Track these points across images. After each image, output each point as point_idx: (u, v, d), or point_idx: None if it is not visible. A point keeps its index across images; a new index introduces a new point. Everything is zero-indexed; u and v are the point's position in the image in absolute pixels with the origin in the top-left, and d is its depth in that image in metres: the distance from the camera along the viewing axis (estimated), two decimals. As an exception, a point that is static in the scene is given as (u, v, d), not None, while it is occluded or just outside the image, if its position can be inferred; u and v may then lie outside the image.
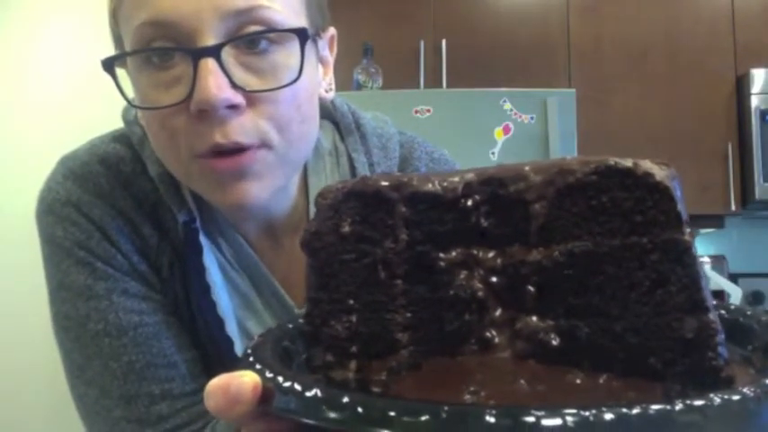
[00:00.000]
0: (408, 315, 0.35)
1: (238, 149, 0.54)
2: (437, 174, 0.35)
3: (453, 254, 0.35)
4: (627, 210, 0.31)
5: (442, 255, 0.35)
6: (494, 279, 0.34)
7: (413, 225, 0.34)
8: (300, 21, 0.58)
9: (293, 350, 0.37)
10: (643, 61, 2.66)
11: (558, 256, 0.32)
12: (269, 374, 0.30)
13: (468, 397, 0.30)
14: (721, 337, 0.30)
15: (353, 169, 0.71)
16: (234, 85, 0.53)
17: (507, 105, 2.30)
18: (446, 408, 0.24)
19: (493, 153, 2.29)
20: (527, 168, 0.33)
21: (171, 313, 0.64)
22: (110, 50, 0.60)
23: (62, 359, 0.64)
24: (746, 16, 2.65)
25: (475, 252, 0.35)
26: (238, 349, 0.64)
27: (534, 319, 0.33)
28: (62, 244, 0.62)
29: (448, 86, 2.61)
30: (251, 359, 0.32)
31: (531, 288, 0.33)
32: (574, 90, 2.39)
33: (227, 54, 0.53)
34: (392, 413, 0.25)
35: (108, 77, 0.57)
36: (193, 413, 0.61)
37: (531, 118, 2.29)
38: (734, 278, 2.75)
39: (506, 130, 2.29)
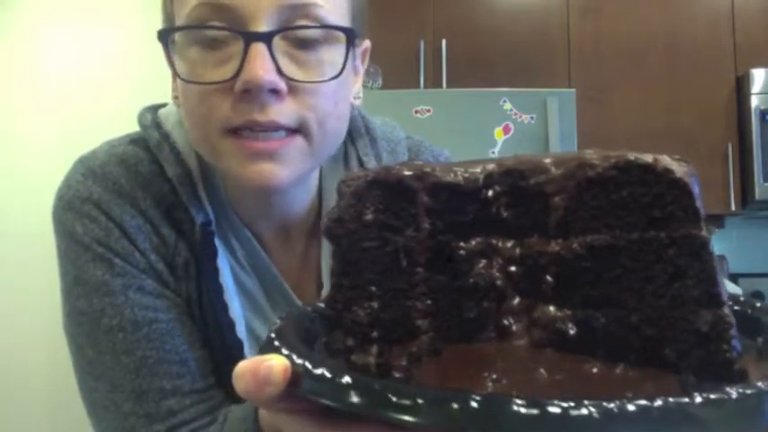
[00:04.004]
0: (428, 302, 0.35)
1: (274, 130, 0.56)
2: (459, 164, 0.36)
3: (473, 243, 0.35)
4: (646, 204, 0.31)
5: (462, 244, 0.35)
6: (512, 268, 0.35)
7: (434, 214, 0.35)
8: (345, 24, 0.60)
9: (314, 332, 0.37)
10: (643, 61, 2.66)
11: (577, 248, 0.33)
12: (298, 360, 0.30)
13: (491, 385, 0.30)
14: (735, 330, 0.30)
15: None
16: (279, 72, 0.55)
17: (507, 105, 2.30)
18: (475, 397, 0.25)
19: (493, 153, 2.29)
20: (547, 161, 0.34)
21: (183, 312, 0.65)
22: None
23: (72, 354, 0.64)
24: (746, 16, 2.66)
25: (494, 242, 0.35)
26: (247, 351, 0.65)
27: (552, 308, 0.34)
28: (81, 240, 0.62)
29: (448, 86, 2.61)
30: (276, 343, 0.32)
31: (549, 278, 0.34)
32: (574, 90, 2.40)
33: (277, 44, 0.55)
34: (421, 401, 0.25)
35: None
36: (201, 409, 0.61)
37: (531, 118, 2.29)
38: (734, 278, 2.76)
39: (506, 130, 2.30)
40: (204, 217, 0.64)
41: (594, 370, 0.32)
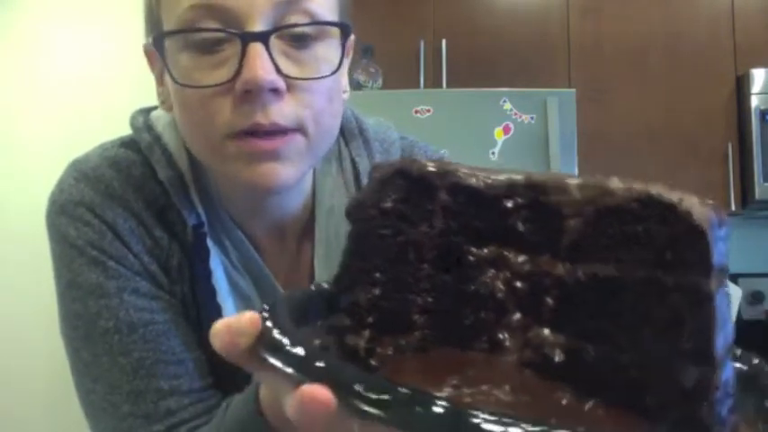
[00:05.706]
0: (429, 299, 0.35)
1: (275, 131, 0.56)
2: (483, 169, 0.36)
3: (485, 251, 0.35)
4: (660, 244, 0.30)
5: (473, 249, 0.35)
6: (518, 284, 0.35)
7: (451, 214, 0.35)
8: (335, 18, 0.60)
9: (313, 310, 0.37)
10: (643, 61, 2.66)
11: (581, 275, 0.32)
12: (267, 323, 0.31)
13: (447, 389, 0.30)
14: (722, 395, 0.28)
15: (357, 173, 0.73)
16: (278, 71, 0.55)
17: (507, 105, 2.30)
18: (401, 390, 0.25)
19: (493, 153, 2.29)
20: (572, 182, 0.33)
21: (179, 313, 0.65)
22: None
23: (69, 357, 0.64)
24: (746, 16, 2.65)
25: (506, 254, 0.35)
26: None
27: (546, 331, 0.33)
28: (74, 243, 0.62)
29: (448, 86, 2.60)
30: (265, 307, 0.33)
31: (549, 300, 0.33)
32: (574, 90, 2.39)
33: (273, 42, 0.56)
34: (335, 370, 0.26)
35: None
36: (200, 409, 0.61)
37: (531, 118, 2.29)
38: (734, 278, 2.75)
39: (506, 130, 2.29)
40: (196, 219, 0.64)
41: (563, 401, 0.31)
